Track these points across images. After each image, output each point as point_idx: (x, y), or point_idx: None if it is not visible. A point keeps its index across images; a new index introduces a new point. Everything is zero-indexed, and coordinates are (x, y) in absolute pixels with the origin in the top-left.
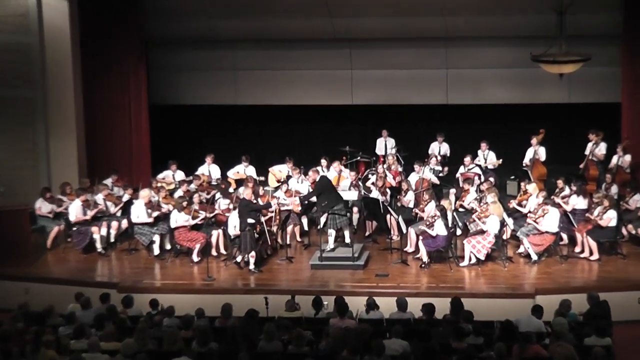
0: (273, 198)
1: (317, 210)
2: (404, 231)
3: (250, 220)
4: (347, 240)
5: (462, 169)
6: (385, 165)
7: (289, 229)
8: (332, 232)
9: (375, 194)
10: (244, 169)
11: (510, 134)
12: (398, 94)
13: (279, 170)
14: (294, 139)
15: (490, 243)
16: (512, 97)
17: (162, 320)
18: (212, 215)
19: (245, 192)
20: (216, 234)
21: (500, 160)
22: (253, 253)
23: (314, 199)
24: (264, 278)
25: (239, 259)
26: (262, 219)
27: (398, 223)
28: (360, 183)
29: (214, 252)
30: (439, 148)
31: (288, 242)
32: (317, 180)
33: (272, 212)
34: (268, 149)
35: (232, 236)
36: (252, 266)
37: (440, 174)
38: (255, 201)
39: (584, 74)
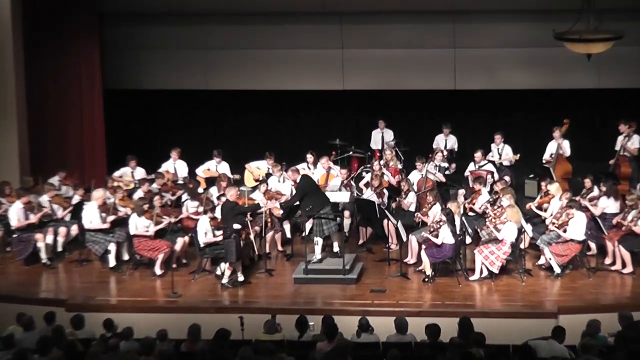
0: (250, 200)
1: (302, 215)
2: (404, 239)
3: (237, 226)
4: (337, 249)
5: (472, 166)
6: (382, 162)
7: (269, 236)
8: (319, 240)
9: (370, 195)
10: (215, 166)
11: (529, 125)
12: (397, 78)
13: (257, 168)
14: (275, 130)
15: (506, 253)
16: (531, 81)
17: (119, 343)
18: (177, 219)
19: (229, 193)
20: (181, 242)
21: (518, 155)
22: (229, 264)
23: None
24: (239, 294)
25: (218, 271)
26: (249, 224)
27: (397, 229)
28: (352, 182)
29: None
30: (445, 141)
31: (267, 251)
32: (299, 180)
33: (264, 214)
34: (244, 142)
35: (202, 244)
36: (240, 277)
37: (447, 172)
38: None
39: (615, 55)
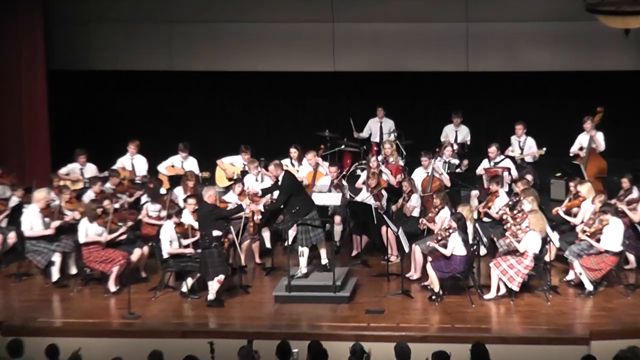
0: (222, 204)
1: (285, 220)
2: (407, 250)
3: (217, 233)
4: (326, 262)
5: (486, 163)
6: (380, 157)
7: (244, 245)
8: (304, 251)
9: (365, 197)
10: (181, 162)
11: (556, 114)
12: (398, 57)
13: (230, 164)
14: (252, 120)
15: (528, 267)
16: (558, 62)
17: None
18: (133, 224)
19: (207, 194)
20: (140, 253)
21: (544, 149)
22: (221, 277)
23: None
24: (209, 315)
25: (184, 287)
26: (232, 230)
27: (398, 238)
28: (344, 182)
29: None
30: (456, 133)
31: (243, 263)
32: (282, 178)
33: (248, 218)
34: (216, 134)
35: (165, 255)
36: (211, 295)
37: (458, 170)
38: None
39: None
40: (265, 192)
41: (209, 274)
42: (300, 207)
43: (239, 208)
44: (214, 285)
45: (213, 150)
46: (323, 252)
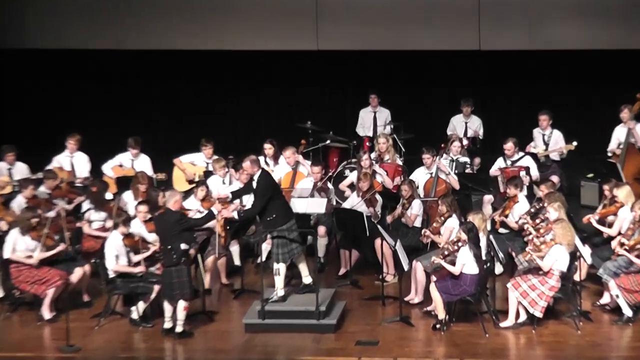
0: (187, 211)
1: (257, 232)
2: (405, 267)
3: (184, 246)
4: (307, 281)
5: (502, 162)
6: (373, 155)
7: (209, 262)
8: (280, 269)
9: (356, 203)
10: (131, 161)
11: (588, 102)
12: (395, 34)
13: (190, 163)
14: (218, 109)
15: (553, 289)
16: (588, 39)
17: None
18: (69, 236)
19: (172, 200)
20: (81, 272)
21: (573, 144)
22: (185, 304)
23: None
24: (165, 348)
25: (134, 314)
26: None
27: (395, 253)
28: (330, 185)
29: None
30: (465, 125)
31: (207, 285)
32: (259, 178)
33: (215, 229)
34: (174, 126)
35: (112, 274)
36: (179, 328)
37: (468, 170)
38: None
39: None
40: (236, 195)
41: (174, 297)
42: (277, 214)
43: (210, 215)
44: (180, 314)
45: (170, 147)
46: (304, 271)
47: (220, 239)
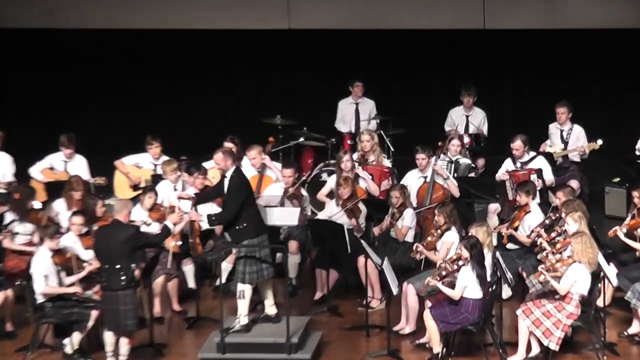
0: (130, 222)
1: (216, 247)
2: (395, 291)
3: (132, 266)
4: (271, 312)
5: (510, 163)
6: (356, 155)
7: (157, 285)
8: (245, 290)
9: (335, 214)
10: (64, 163)
11: (614, 92)
12: (382, 10)
13: (135, 166)
14: (168, 100)
15: (572, 316)
16: (615, 17)
17: None
18: None
19: (124, 211)
20: (2, 298)
21: (598, 143)
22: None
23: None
24: None
25: (67, 347)
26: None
27: (382, 273)
28: (304, 192)
29: None
30: (467, 120)
31: (157, 312)
32: (231, 175)
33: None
34: (116, 121)
35: (41, 299)
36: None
37: (471, 174)
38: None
39: None
40: (203, 198)
41: (119, 327)
42: (248, 224)
43: (167, 231)
44: (123, 347)
45: (110, 146)
46: (269, 299)
47: (172, 256)
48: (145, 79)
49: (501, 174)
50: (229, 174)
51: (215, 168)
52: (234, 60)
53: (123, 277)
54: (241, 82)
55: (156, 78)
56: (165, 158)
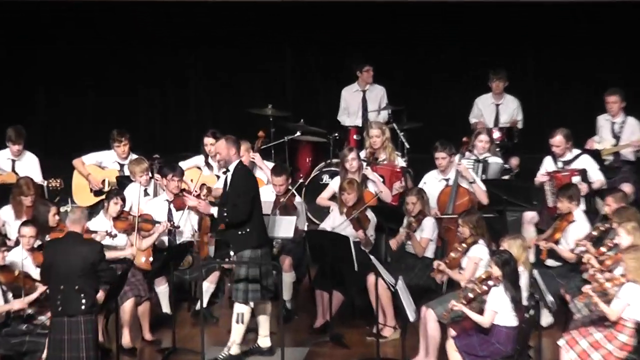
0: (87, 234)
1: (196, 264)
2: (411, 318)
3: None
4: (264, 344)
5: (550, 162)
6: (364, 153)
7: (125, 308)
8: (245, 313)
9: (339, 224)
10: (11, 162)
11: None
12: None
13: (97, 166)
14: (138, 85)
15: (625, 347)
16: None
17: None
18: None
19: (76, 221)
20: None
21: None
22: None
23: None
24: None
25: None
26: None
27: (396, 296)
28: (298, 201)
29: None
30: (497, 109)
31: (126, 342)
32: (237, 168)
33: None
34: (72, 112)
35: None
36: None
37: (504, 174)
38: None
39: None
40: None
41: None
42: (252, 229)
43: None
44: None
45: (68, 142)
46: (264, 327)
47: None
48: (108, 58)
49: (540, 176)
50: (232, 167)
51: (216, 159)
52: (215, 38)
53: (84, 301)
54: (223, 64)
55: (122, 57)
56: (134, 157)
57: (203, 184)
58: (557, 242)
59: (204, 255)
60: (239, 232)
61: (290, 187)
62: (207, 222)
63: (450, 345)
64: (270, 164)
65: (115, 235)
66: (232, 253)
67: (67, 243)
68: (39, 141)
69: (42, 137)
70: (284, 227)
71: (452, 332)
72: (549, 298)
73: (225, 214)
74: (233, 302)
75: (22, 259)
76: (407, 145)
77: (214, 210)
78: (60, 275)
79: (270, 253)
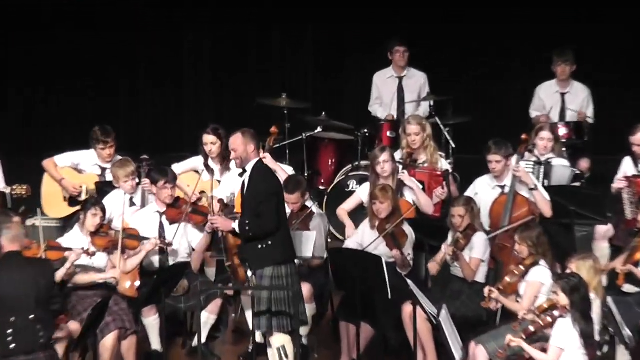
0: (56, 254)
1: (194, 291)
2: (457, 357)
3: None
4: None
5: (629, 166)
6: (399, 154)
7: (106, 343)
8: (287, 345)
9: (368, 240)
10: None
11: None
12: None
13: (74, 169)
14: (124, 75)
15: None
16: None
17: None
18: None
19: (12, 241)
20: None
21: None
22: None
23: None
24: None
25: None
26: None
27: (438, 328)
28: (317, 209)
29: None
30: (562, 100)
31: None
32: (256, 167)
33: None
34: (44, 106)
35: None
36: None
37: (573, 180)
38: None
39: None
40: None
41: None
42: (274, 243)
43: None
44: None
45: (38, 141)
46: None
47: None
48: (90, 43)
49: (617, 182)
50: (250, 167)
51: (231, 157)
52: (216, 20)
53: (41, 333)
54: (228, 48)
55: (107, 41)
56: (117, 158)
57: (202, 191)
58: (636, 263)
59: (242, 279)
60: (259, 246)
61: (307, 205)
62: (231, 240)
63: None
64: (286, 167)
65: (94, 254)
66: (249, 273)
67: (8, 266)
68: (2, 141)
69: (7, 136)
70: (303, 245)
71: None
72: (627, 332)
73: (248, 227)
74: (266, 337)
75: None
76: (452, 145)
77: (236, 225)
78: (7, 307)
79: (297, 271)
